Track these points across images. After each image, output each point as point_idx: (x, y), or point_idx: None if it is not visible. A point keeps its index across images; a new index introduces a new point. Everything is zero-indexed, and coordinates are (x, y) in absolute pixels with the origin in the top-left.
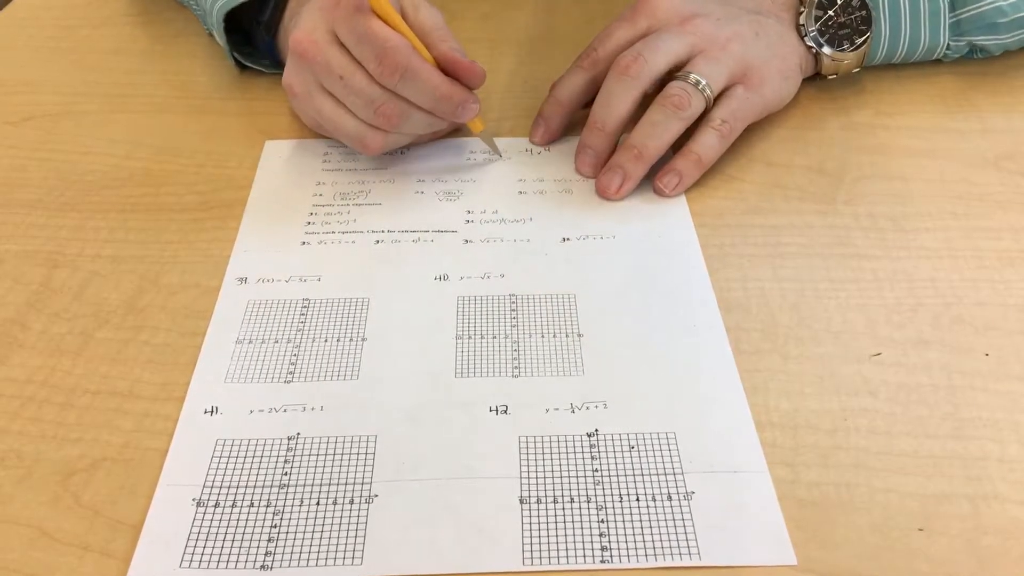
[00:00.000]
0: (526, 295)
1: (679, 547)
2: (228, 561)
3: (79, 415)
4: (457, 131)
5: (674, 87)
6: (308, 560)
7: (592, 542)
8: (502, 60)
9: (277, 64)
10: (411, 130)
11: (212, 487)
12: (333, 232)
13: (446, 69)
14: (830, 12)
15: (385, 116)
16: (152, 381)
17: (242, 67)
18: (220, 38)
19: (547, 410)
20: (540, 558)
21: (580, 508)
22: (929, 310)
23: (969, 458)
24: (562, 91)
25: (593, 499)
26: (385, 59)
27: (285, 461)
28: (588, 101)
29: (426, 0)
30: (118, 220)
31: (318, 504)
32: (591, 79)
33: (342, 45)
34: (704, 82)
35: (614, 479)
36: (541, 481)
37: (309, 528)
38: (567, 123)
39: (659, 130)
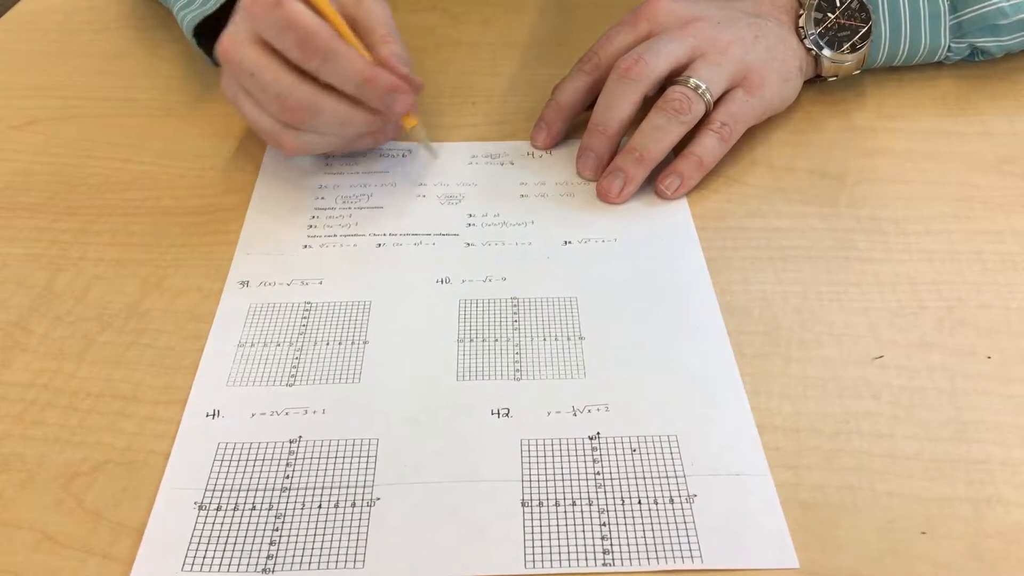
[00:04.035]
0: (528, 298)
1: (681, 550)
2: (230, 564)
3: (82, 418)
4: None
5: (674, 91)
6: (310, 563)
7: (594, 545)
8: (503, 64)
9: None
10: (326, 129)
11: (214, 490)
12: (335, 235)
13: None
14: (830, 15)
15: (292, 111)
16: (154, 384)
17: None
18: (194, 47)
19: (549, 413)
20: (542, 561)
21: (582, 511)
22: (932, 313)
23: (972, 461)
24: (563, 94)
25: (595, 502)
26: (307, 44)
27: (287, 464)
28: (589, 104)
29: None
30: (120, 224)
31: (320, 507)
32: (592, 82)
33: (264, 44)
34: (704, 86)
35: (616, 482)
36: (543, 484)
37: (311, 531)
38: (568, 126)
39: (660, 134)
